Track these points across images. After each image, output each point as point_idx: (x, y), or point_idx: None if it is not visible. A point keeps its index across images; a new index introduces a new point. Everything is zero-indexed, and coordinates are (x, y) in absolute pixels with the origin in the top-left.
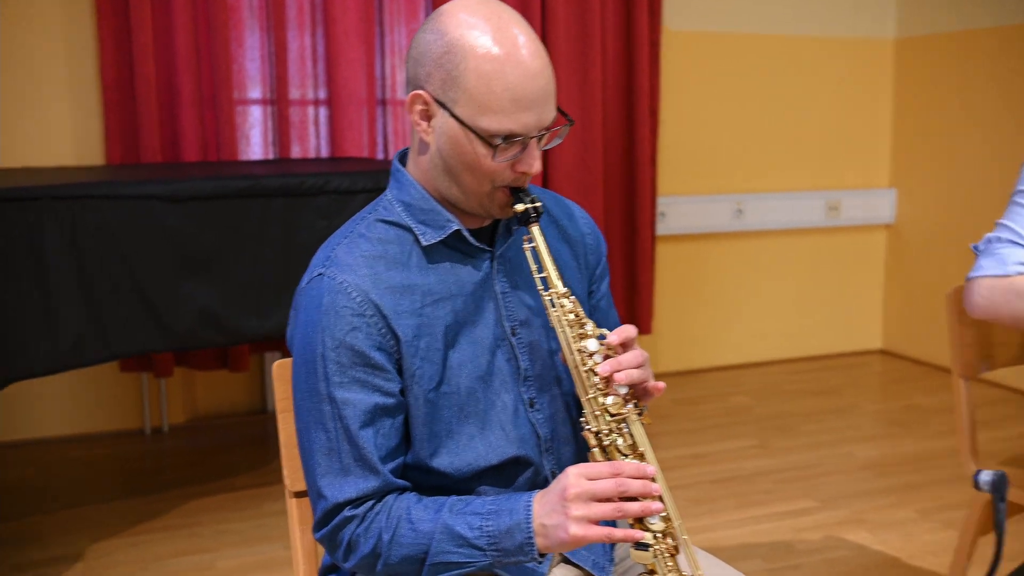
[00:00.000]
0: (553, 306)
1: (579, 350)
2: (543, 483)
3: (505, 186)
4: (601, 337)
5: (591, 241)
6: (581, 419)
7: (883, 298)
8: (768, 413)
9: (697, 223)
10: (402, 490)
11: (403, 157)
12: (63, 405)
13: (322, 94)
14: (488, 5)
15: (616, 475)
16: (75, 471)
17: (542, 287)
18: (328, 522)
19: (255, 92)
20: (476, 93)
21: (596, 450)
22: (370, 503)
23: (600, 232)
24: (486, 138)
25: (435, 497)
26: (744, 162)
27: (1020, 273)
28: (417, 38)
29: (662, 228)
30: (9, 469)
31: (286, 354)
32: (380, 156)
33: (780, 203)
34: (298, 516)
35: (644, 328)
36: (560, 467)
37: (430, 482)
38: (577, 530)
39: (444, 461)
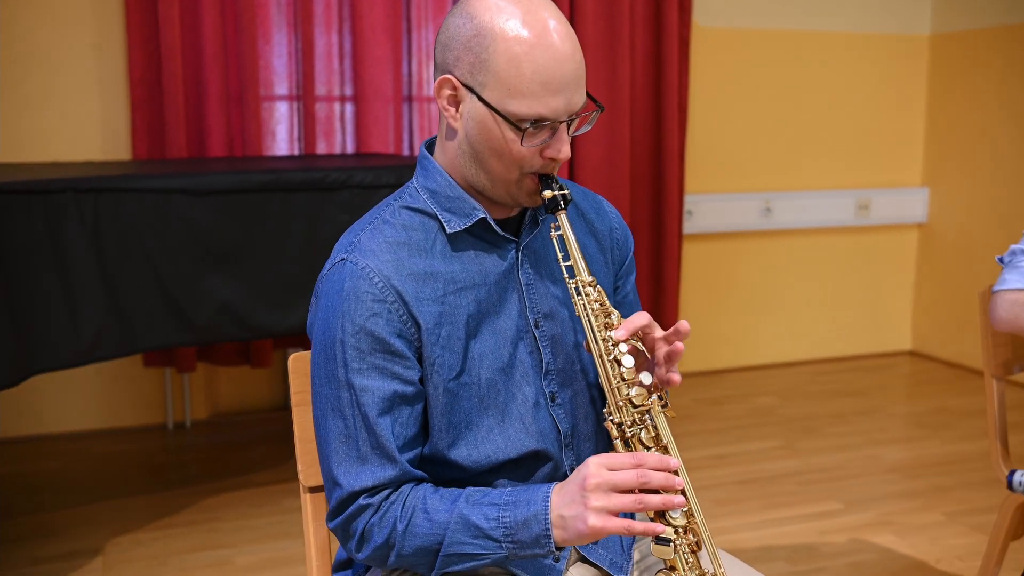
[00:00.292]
0: (579, 294)
1: (604, 339)
2: (562, 479)
3: (533, 173)
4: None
5: (619, 236)
6: (604, 410)
7: (913, 299)
8: (794, 414)
9: (725, 222)
10: (419, 481)
11: (430, 145)
12: (86, 400)
13: (348, 90)
14: None
15: (638, 466)
16: (97, 465)
17: (568, 275)
18: (343, 511)
19: (281, 88)
20: (505, 76)
21: (619, 442)
22: (386, 492)
23: (628, 228)
24: (515, 122)
25: (452, 488)
26: (773, 160)
27: None
28: (446, 23)
29: (689, 226)
30: (32, 463)
31: (308, 350)
32: (406, 153)
33: (809, 202)
34: (312, 511)
35: (669, 327)
36: (580, 463)
37: (447, 475)
38: (596, 521)
39: (462, 453)
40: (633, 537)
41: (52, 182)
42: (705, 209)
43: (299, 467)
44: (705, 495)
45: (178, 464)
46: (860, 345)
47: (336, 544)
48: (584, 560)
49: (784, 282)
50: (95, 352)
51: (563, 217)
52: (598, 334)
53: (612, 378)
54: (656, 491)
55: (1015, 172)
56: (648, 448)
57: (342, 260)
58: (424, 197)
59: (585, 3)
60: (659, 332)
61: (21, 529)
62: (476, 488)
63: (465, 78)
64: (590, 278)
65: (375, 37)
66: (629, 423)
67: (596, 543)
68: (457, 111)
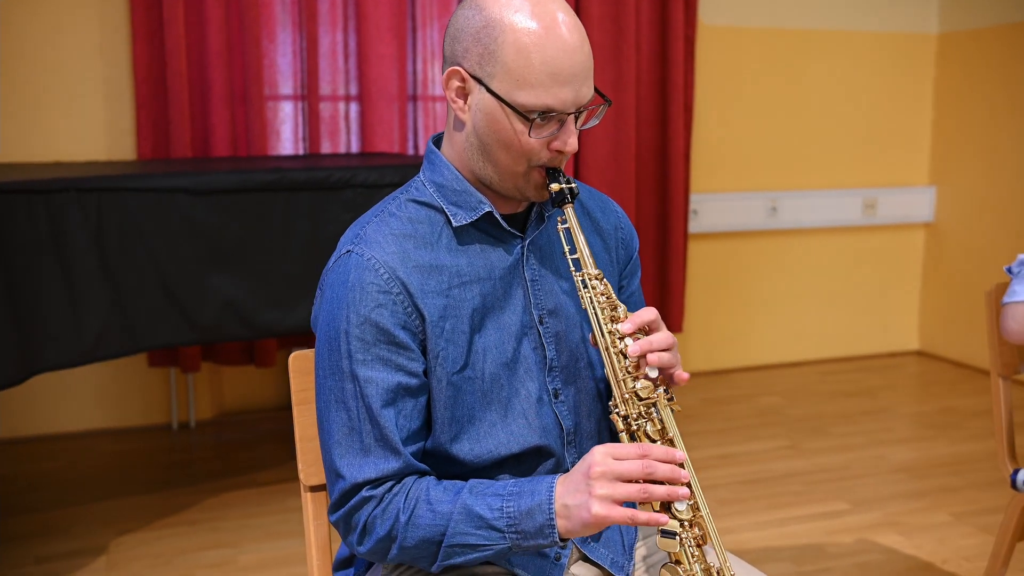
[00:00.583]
0: (585, 287)
1: (610, 332)
2: None
3: (540, 166)
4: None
5: (623, 235)
6: (610, 403)
7: (920, 298)
8: (800, 414)
9: (730, 221)
10: (422, 474)
11: (438, 140)
12: (91, 399)
13: (353, 90)
14: None
15: (643, 456)
16: (102, 465)
17: (574, 268)
18: (345, 503)
19: (286, 88)
20: (514, 67)
21: (624, 434)
22: (389, 484)
23: (633, 227)
24: (523, 113)
25: (455, 480)
26: (779, 159)
27: None
28: (455, 15)
29: (695, 226)
30: (36, 462)
31: (312, 348)
32: (411, 152)
33: (815, 201)
34: (312, 510)
35: (675, 327)
36: None
37: (449, 470)
38: (600, 509)
39: (464, 447)
40: (634, 537)
41: (55, 181)
42: (711, 208)
43: (300, 466)
44: (710, 495)
45: (182, 463)
46: (867, 345)
47: (337, 542)
48: (585, 559)
49: (790, 282)
50: (98, 351)
51: (570, 210)
52: (604, 327)
53: (618, 371)
54: (661, 483)
55: (1022, 171)
56: (654, 441)
57: (348, 252)
58: (431, 191)
59: (591, 2)
60: (664, 329)
61: (25, 528)
62: (480, 480)
63: (474, 69)
64: (596, 271)
65: (380, 36)
66: (635, 416)
67: (597, 541)
68: (465, 103)
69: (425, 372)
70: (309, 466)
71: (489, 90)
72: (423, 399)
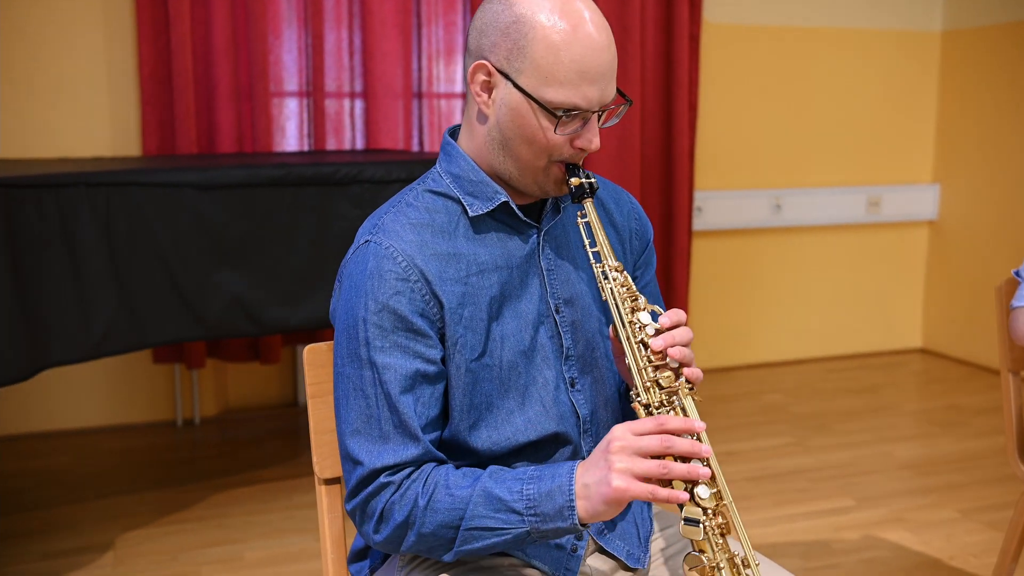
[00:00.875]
0: (606, 278)
1: (631, 322)
2: None
3: (561, 161)
4: (653, 315)
5: (636, 226)
6: (631, 391)
7: (924, 296)
8: (804, 411)
9: (735, 218)
10: (440, 462)
11: (454, 132)
12: (96, 396)
13: (358, 87)
14: None
15: (661, 427)
16: (108, 461)
17: (595, 260)
18: (362, 489)
19: (291, 84)
20: (543, 64)
21: None
22: (408, 471)
23: (647, 218)
24: (550, 110)
25: (475, 468)
26: (783, 157)
27: None
28: (483, 8)
29: (699, 223)
30: (42, 459)
31: (319, 343)
32: (415, 149)
33: (820, 199)
34: (327, 503)
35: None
36: None
37: (467, 460)
38: (620, 482)
39: (482, 435)
40: (650, 529)
41: (64, 176)
42: (715, 206)
43: (314, 459)
44: None
45: (188, 460)
46: (870, 343)
47: (352, 535)
48: (602, 551)
49: (794, 279)
50: (106, 346)
51: (589, 205)
52: (626, 317)
53: (640, 360)
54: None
55: None
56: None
57: (366, 242)
58: (447, 181)
59: (596, 1)
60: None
61: (32, 524)
62: (500, 467)
63: (501, 64)
64: (616, 263)
65: (385, 33)
66: (657, 404)
67: (613, 531)
68: (490, 97)
69: (443, 360)
70: (324, 459)
71: (516, 85)
72: (440, 387)
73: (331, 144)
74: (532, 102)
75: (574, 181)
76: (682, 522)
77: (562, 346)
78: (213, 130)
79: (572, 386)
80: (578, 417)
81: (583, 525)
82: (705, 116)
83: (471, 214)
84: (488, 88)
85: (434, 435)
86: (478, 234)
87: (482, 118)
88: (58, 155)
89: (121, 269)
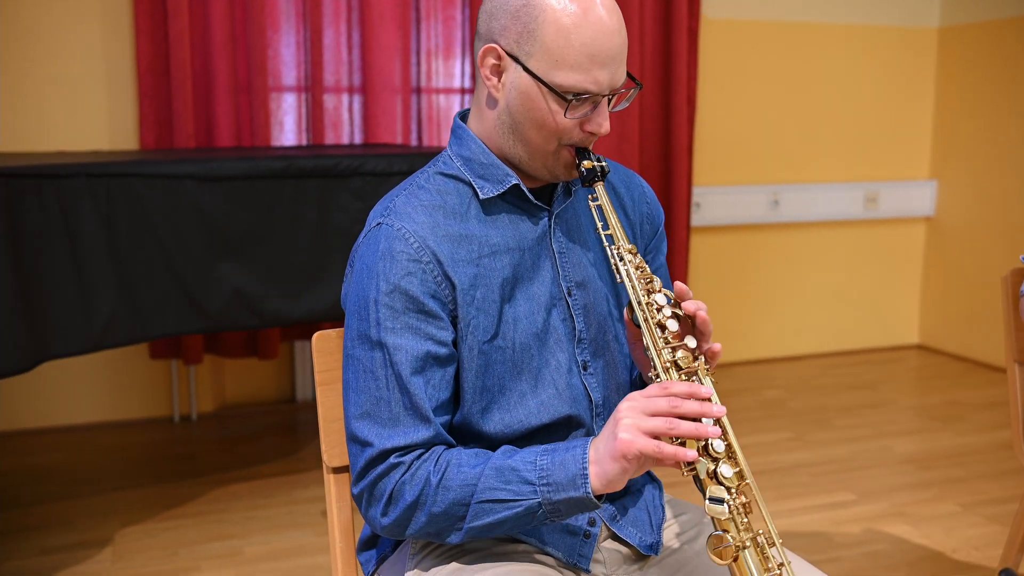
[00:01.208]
0: (621, 260)
1: (648, 304)
2: None
3: (571, 145)
4: (668, 298)
5: (648, 210)
6: (650, 372)
7: (921, 292)
8: (803, 407)
9: (733, 214)
10: (450, 446)
11: (464, 115)
12: (94, 392)
13: (356, 82)
14: None
15: (666, 391)
16: (105, 457)
17: (608, 243)
18: (370, 470)
19: (290, 79)
20: (553, 47)
21: None
22: (418, 451)
23: (658, 201)
24: (561, 93)
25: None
26: (781, 152)
27: None
28: None
29: (697, 219)
30: (40, 454)
31: (316, 337)
32: (414, 144)
33: (817, 195)
34: (335, 491)
35: None
36: None
37: (478, 446)
38: (625, 434)
39: (494, 418)
40: (662, 516)
41: (65, 167)
42: (713, 202)
43: (323, 447)
44: None
45: (185, 456)
46: (867, 339)
47: (360, 524)
48: (615, 538)
49: (792, 275)
50: (107, 338)
51: (600, 188)
52: (643, 298)
53: (658, 341)
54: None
55: (1023, 165)
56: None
57: (378, 224)
58: (458, 164)
59: None
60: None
61: (30, 519)
62: (513, 446)
63: (511, 47)
64: (630, 245)
65: (384, 27)
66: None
67: (625, 515)
68: (500, 80)
69: (454, 343)
70: (332, 447)
71: (526, 69)
72: (451, 370)
73: (329, 139)
74: (542, 86)
75: (586, 164)
76: (707, 501)
77: (575, 329)
78: (211, 124)
79: (585, 369)
80: (591, 401)
81: (597, 498)
82: (703, 112)
83: (482, 196)
84: (498, 72)
85: (444, 418)
86: (489, 216)
87: (492, 102)
88: (55, 149)
89: (122, 261)
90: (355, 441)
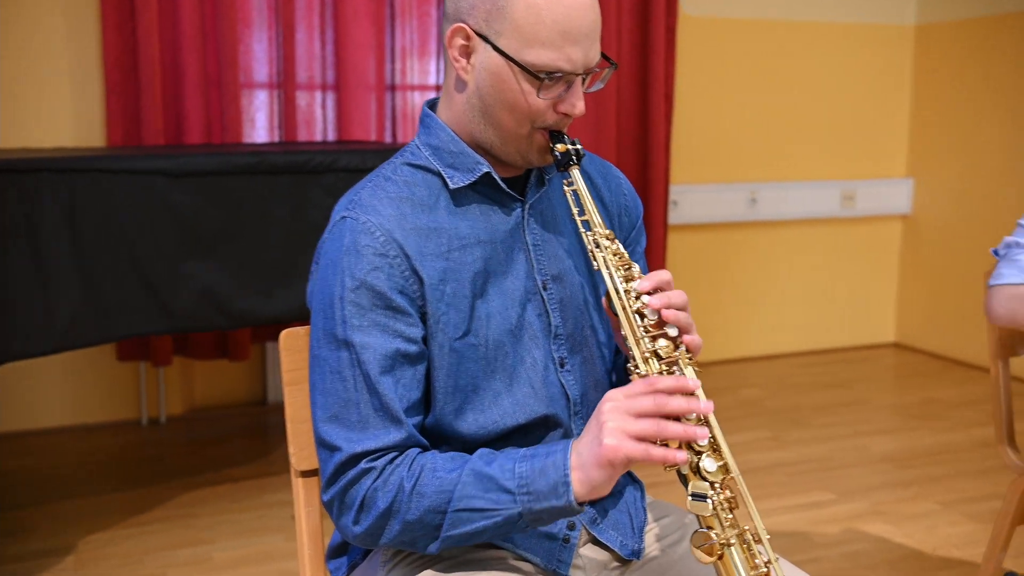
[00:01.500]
0: (598, 247)
1: (626, 291)
2: None
3: (544, 128)
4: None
5: (626, 201)
6: (629, 363)
7: (897, 290)
8: (780, 406)
9: (710, 212)
10: (424, 448)
11: (432, 104)
12: (59, 395)
13: (330, 78)
14: None
15: (653, 388)
16: (70, 462)
17: (584, 229)
18: (340, 476)
19: (262, 75)
20: (524, 24)
21: None
22: (390, 456)
23: (637, 195)
24: (533, 72)
25: (462, 453)
26: (759, 150)
27: None
28: None
29: (675, 217)
30: (4, 459)
31: (289, 341)
32: (388, 142)
33: (795, 192)
34: (304, 496)
35: None
36: None
37: (452, 447)
38: (611, 440)
39: (468, 419)
40: (644, 519)
41: (27, 162)
42: (691, 200)
43: (291, 449)
44: None
45: (153, 459)
46: (844, 337)
47: (330, 529)
48: (595, 542)
49: (769, 274)
50: (71, 339)
51: (576, 172)
52: (620, 286)
53: (637, 330)
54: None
55: (999, 163)
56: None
57: (343, 218)
58: (426, 154)
59: None
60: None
61: None
62: (490, 449)
63: (480, 27)
64: (607, 231)
65: (358, 24)
66: (656, 375)
67: (606, 518)
68: (469, 62)
69: (424, 340)
70: (301, 450)
71: (496, 48)
72: (422, 368)
73: (302, 137)
74: (513, 65)
75: (559, 148)
76: (689, 497)
77: (550, 324)
78: (181, 121)
79: (562, 366)
80: (568, 399)
81: (579, 504)
82: (681, 109)
83: (452, 186)
84: (467, 53)
85: (416, 419)
86: (460, 207)
87: (461, 85)
88: (19, 146)
89: (86, 259)
90: (323, 446)
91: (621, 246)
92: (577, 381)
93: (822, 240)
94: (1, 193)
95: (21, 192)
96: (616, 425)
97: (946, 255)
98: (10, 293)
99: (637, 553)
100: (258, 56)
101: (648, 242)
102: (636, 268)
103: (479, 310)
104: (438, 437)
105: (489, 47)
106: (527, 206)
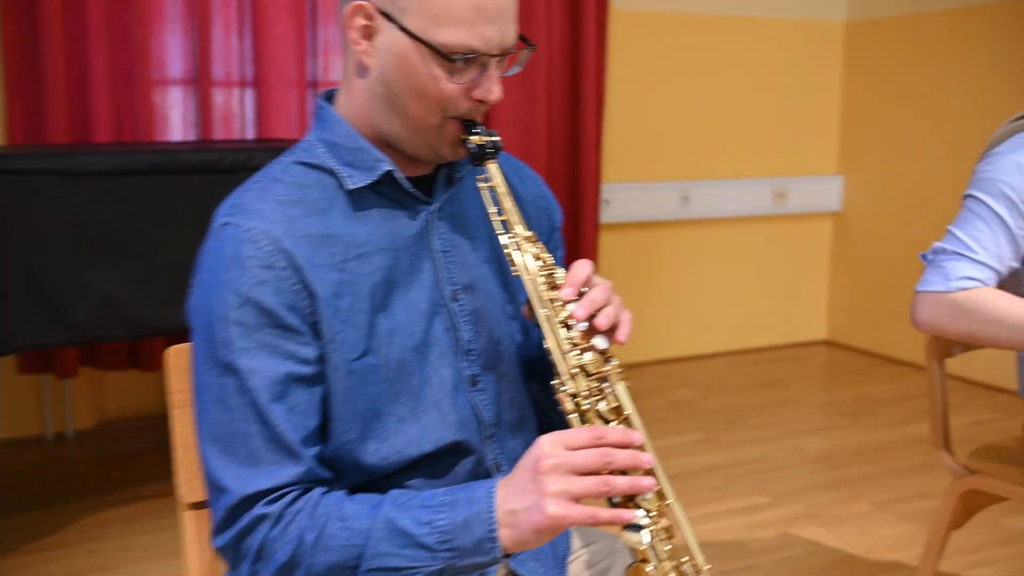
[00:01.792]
0: (518, 249)
1: (551, 300)
2: (485, 475)
3: (457, 117)
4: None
5: (543, 204)
6: (556, 381)
7: (828, 288)
8: (714, 407)
9: (642, 211)
10: (326, 483)
11: (330, 96)
12: None
13: (249, 74)
14: None
15: (599, 442)
16: None
17: (502, 230)
18: (232, 523)
19: (176, 71)
20: (433, 0)
21: (574, 416)
22: (289, 498)
23: (555, 199)
24: (444, 54)
25: (374, 493)
26: (690, 147)
27: (963, 289)
28: None
29: (606, 216)
30: None
31: (176, 360)
32: None
33: (726, 190)
34: (195, 531)
35: None
36: (506, 457)
37: (354, 479)
38: (556, 509)
39: (370, 448)
40: (567, 548)
41: None
42: (622, 198)
43: (180, 479)
44: None
45: (56, 479)
46: (776, 335)
47: (224, 566)
48: (513, 575)
49: (701, 272)
50: None
51: (494, 167)
52: (543, 295)
53: (562, 343)
54: (622, 473)
55: (929, 161)
56: (608, 422)
57: (224, 224)
58: (321, 151)
59: None
60: (601, 282)
61: None
62: (404, 491)
63: (383, 4)
64: (528, 232)
65: (278, 17)
66: (585, 393)
67: (527, 552)
68: (371, 44)
69: (321, 359)
70: (190, 479)
71: (402, 28)
72: (318, 391)
73: (220, 135)
74: (422, 46)
75: (474, 139)
76: (622, 528)
77: (459, 339)
78: (87, 119)
79: (474, 385)
80: (480, 421)
81: (507, 556)
82: (612, 106)
83: (349, 186)
84: (368, 34)
85: (315, 450)
86: (358, 211)
87: (362, 71)
88: None
89: None
90: (212, 485)
91: (544, 250)
92: (491, 401)
93: (754, 238)
94: None
95: None
96: (560, 488)
97: (876, 252)
98: None
99: None
100: (172, 51)
101: (579, 241)
102: (560, 273)
103: (380, 326)
104: (340, 467)
105: (394, 27)
106: (434, 208)
